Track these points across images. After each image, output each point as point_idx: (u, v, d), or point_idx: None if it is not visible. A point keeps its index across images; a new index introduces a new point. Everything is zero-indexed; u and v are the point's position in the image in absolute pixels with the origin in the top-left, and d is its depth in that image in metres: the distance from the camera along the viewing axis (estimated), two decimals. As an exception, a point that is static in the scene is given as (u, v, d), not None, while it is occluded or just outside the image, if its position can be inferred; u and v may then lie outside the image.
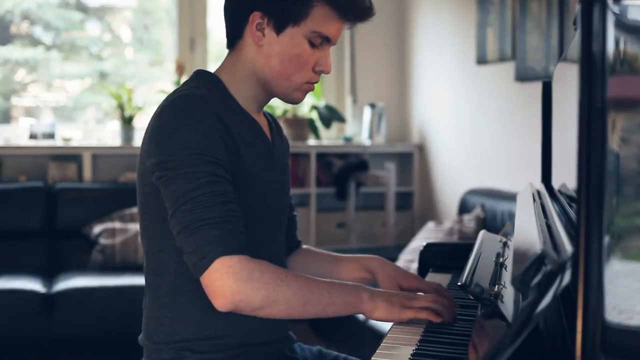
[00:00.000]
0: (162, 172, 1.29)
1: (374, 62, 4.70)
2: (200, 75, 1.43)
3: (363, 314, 1.31)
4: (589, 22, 0.75)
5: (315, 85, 1.44)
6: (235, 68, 1.42)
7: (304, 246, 1.66)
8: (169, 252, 1.36)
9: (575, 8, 0.93)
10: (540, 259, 0.89)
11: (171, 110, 1.32)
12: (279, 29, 1.35)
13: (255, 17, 1.36)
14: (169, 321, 1.37)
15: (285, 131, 3.77)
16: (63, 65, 4.55)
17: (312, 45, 1.37)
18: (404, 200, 4.60)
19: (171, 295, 1.37)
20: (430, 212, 4.44)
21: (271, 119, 1.55)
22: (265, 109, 1.55)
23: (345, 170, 4.31)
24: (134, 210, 3.79)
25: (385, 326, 2.81)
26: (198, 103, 1.32)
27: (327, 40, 1.38)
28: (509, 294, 1.09)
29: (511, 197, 3.28)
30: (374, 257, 1.57)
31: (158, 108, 1.36)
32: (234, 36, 1.41)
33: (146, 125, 1.37)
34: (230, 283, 1.22)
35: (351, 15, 1.37)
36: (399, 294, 1.33)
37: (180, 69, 4.17)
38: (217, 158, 1.29)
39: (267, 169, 1.43)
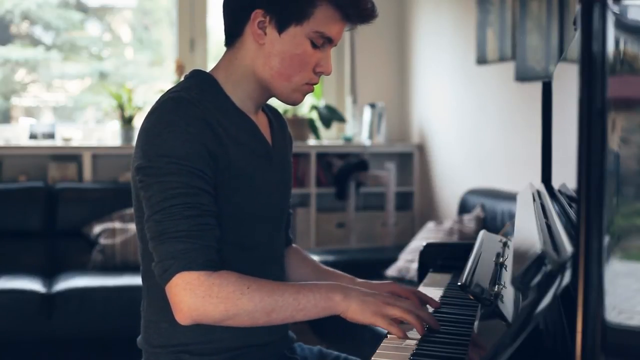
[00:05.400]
0: (141, 177, 1.29)
1: (374, 62, 4.70)
2: (195, 75, 1.41)
3: (339, 314, 1.28)
4: (589, 22, 0.75)
5: (314, 86, 1.42)
6: (233, 67, 1.39)
7: (294, 245, 1.64)
8: None
9: (575, 8, 0.93)
10: (540, 259, 0.89)
11: (159, 114, 1.31)
12: (281, 27, 1.33)
13: (257, 15, 1.34)
14: (166, 325, 1.36)
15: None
16: (63, 65, 4.56)
17: (314, 45, 1.35)
18: (404, 200, 4.60)
19: (168, 299, 1.36)
20: (430, 212, 4.44)
21: (272, 116, 1.52)
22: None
23: (345, 170, 4.31)
24: (134, 210, 3.78)
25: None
26: (186, 107, 1.30)
27: (329, 41, 1.36)
28: (509, 294, 1.09)
29: (511, 197, 3.27)
30: (348, 277, 1.54)
31: (150, 109, 1.35)
32: (233, 34, 1.39)
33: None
34: (188, 299, 1.23)
35: (354, 17, 1.36)
36: (378, 297, 1.28)
37: (180, 69, 4.17)
38: (196, 168, 1.27)
39: (265, 170, 1.41)
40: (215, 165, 1.31)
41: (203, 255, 1.25)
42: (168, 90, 1.37)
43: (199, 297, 1.23)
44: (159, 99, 1.35)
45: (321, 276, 1.56)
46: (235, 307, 1.23)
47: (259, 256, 1.40)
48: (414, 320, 1.24)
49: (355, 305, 1.26)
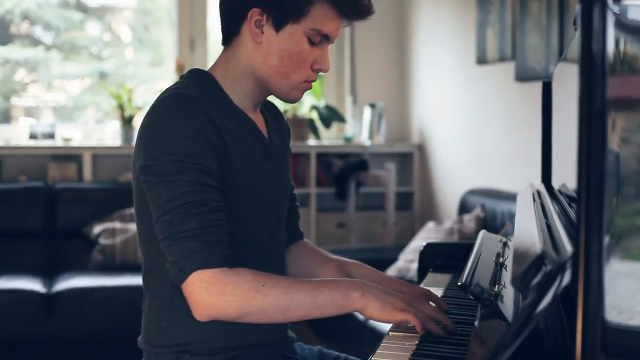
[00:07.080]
0: (146, 177, 1.29)
1: (374, 62, 4.70)
2: (193, 74, 1.41)
3: (357, 312, 1.27)
4: (589, 22, 0.74)
5: (314, 84, 1.42)
6: (231, 65, 1.39)
7: (305, 240, 1.63)
8: None
9: (575, 8, 0.93)
10: (540, 259, 0.89)
11: (160, 111, 1.31)
12: (278, 26, 1.33)
13: (254, 14, 1.34)
14: (167, 324, 1.36)
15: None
16: (63, 65, 4.55)
17: (311, 43, 1.35)
18: (404, 200, 4.60)
19: (169, 298, 1.36)
20: (430, 212, 4.44)
21: (267, 113, 1.51)
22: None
23: (345, 170, 4.31)
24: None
25: (386, 326, 2.81)
26: (187, 103, 1.30)
27: (326, 39, 1.36)
28: (509, 294, 1.09)
29: (511, 197, 3.27)
30: (356, 262, 1.54)
31: (149, 107, 1.35)
32: (230, 33, 1.39)
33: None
34: (204, 297, 1.24)
35: (351, 14, 1.36)
36: (399, 296, 1.28)
37: (180, 69, 4.17)
38: (202, 165, 1.27)
39: (264, 168, 1.41)
40: (219, 160, 1.31)
41: (216, 252, 1.25)
42: (167, 89, 1.37)
43: (213, 295, 1.23)
44: (158, 97, 1.35)
45: (326, 267, 1.54)
46: (250, 305, 1.24)
47: (257, 254, 1.40)
48: (436, 328, 1.23)
49: (374, 302, 1.25)
